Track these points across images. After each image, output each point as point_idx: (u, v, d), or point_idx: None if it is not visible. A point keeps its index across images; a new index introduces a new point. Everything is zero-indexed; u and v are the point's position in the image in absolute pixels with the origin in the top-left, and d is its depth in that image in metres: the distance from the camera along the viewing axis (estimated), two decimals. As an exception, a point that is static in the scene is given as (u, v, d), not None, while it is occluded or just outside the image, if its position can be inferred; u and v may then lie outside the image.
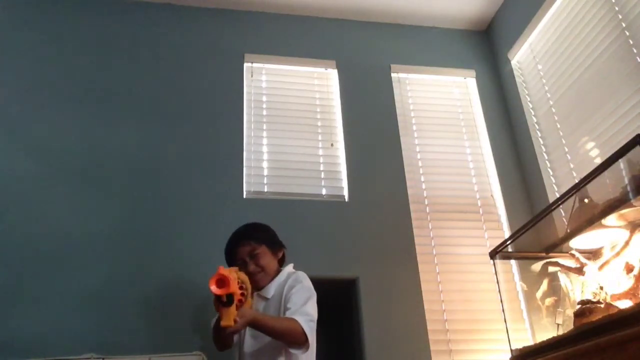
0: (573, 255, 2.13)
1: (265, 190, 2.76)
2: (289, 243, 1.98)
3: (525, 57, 3.07)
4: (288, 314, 1.67)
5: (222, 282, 1.52)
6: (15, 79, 2.73)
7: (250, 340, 1.77)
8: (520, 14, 3.07)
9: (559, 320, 2.10)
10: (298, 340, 1.62)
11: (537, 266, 2.41)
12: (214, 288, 1.51)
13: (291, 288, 1.76)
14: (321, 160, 2.90)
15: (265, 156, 2.85)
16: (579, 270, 2.10)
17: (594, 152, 2.46)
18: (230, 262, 1.85)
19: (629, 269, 1.85)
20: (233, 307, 1.53)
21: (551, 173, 2.80)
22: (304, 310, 1.67)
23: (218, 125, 2.82)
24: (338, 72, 3.13)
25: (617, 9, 2.37)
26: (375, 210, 2.75)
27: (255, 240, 1.85)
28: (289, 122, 2.96)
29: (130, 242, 2.45)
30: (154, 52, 2.96)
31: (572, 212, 2.11)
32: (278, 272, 1.88)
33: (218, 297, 1.53)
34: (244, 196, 2.69)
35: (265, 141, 2.88)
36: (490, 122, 3.15)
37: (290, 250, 1.99)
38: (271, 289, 1.83)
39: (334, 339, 2.76)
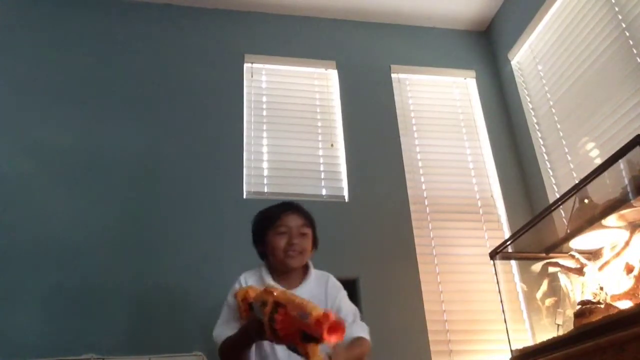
0: (573, 256, 2.13)
1: (265, 190, 2.75)
2: (289, 243, 1.97)
3: (525, 57, 3.07)
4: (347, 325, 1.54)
5: (335, 328, 1.17)
6: (15, 79, 2.72)
7: (285, 355, 1.58)
8: (520, 14, 3.07)
9: (559, 321, 2.10)
10: (369, 353, 1.62)
11: (537, 267, 2.41)
12: (334, 338, 1.15)
13: (336, 295, 1.70)
14: (321, 160, 2.90)
15: (265, 156, 2.84)
16: (579, 271, 2.10)
17: (594, 152, 2.46)
18: (268, 228, 1.67)
19: (629, 269, 1.85)
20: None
21: (551, 173, 2.80)
22: (360, 322, 1.66)
23: (218, 125, 2.82)
24: (338, 72, 3.12)
25: (617, 9, 2.37)
26: (375, 211, 2.75)
27: (309, 220, 1.73)
28: (289, 122, 2.95)
29: (130, 242, 2.45)
30: (154, 52, 2.96)
31: (572, 212, 2.11)
32: (307, 267, 1.75)
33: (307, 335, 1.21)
34: (244, 196, 2.68)
35: (265, 141, 2.88)
36: (490, 122, 3.14)
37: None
38: (304, 292, 1.63)
39: (334, 339, 2.75)
